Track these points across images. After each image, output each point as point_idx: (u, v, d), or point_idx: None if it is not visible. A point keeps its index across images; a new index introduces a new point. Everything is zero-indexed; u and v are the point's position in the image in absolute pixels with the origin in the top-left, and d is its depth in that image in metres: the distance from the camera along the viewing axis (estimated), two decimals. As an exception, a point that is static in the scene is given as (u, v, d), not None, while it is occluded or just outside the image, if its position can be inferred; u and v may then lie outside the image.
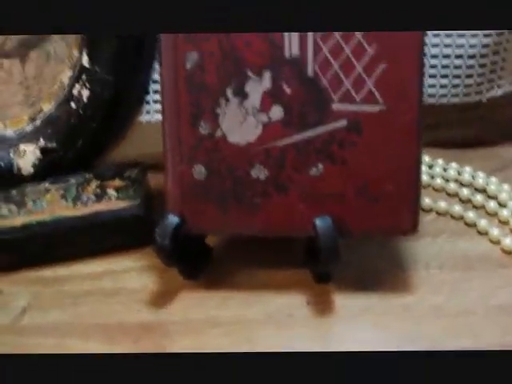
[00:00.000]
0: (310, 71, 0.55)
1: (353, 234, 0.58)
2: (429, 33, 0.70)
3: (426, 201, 0.68)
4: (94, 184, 0.68)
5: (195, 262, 0.63)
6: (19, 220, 0.65)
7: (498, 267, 0.63)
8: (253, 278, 0.63)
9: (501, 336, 0.55)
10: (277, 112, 0.56)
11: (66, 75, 0.71)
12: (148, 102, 0.76)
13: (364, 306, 0.59)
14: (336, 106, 0.56)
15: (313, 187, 0.58)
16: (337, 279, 0.62)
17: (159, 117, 0.73)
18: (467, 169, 0.73)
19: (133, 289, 0.63)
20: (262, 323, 0.59)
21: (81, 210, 0.65)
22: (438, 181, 0.72)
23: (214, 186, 0.59)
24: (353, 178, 0.57)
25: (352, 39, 0.54)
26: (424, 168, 0.73)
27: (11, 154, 0.72)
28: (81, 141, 0.72)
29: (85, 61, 0.69)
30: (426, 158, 0.73)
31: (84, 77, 0.70)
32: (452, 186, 0.72)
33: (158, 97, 0.74)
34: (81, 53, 0.70)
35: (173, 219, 0.57)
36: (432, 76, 0.73)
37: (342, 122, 0.56)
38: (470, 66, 0.73)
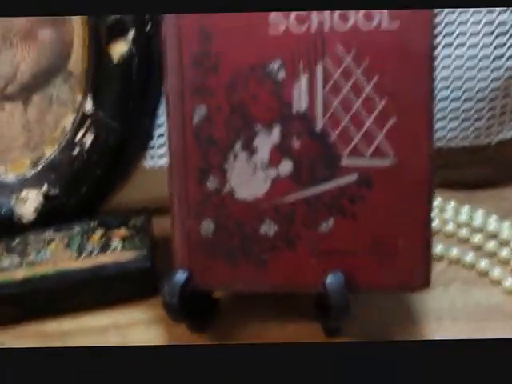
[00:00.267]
0: (319, 126, 0.54)
1: (363, 289, 0.57)
2: (438, 76, 0.67)
3: (438, 248, 0.65)
4: (98, 233, 0.67)
5: (203, 315, 0.62)
6: (21, 273, 0.64)
7: (513, 319, 0.59)
8: (261, 332, 0.61)
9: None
10: (286, 167, 0.55)
11: (69, 120, 0.71)
12: (152, 147, 0.74)
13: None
14: (346, 161, 0.55)
15: (323, 243, 0.56)
16: (345, 332, 0.60)
17: (163, 162, 0.73)
18: (479, 213, 0.71)
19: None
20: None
21: (85, 262, 0.64)
22: (450, 226, 0.70)
23: (222, 242, 0.57)
24: (364, 233, 0.56)
25: (361, 93, 0.54)
26: (435, 212, 0.71)
27: (12, 201, 0.70)
28: (84, 187, 0.71)
29: (88, 106, 0.68)
30: (436, 201, 0.70)
31: (88, 122, 0.69)
32: (464, 232, 0.69)
33: (162, 141, 0.73)
34: (84, 97, 0.69)
35: (181, 276, 0.56)
36: (441, 119, 0.71)
37: (352, 177, 0.55)
38: (480, 110, 0.71)
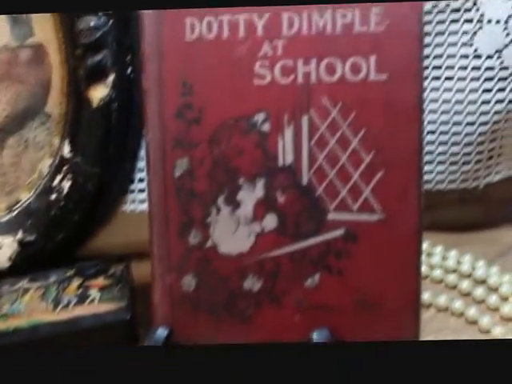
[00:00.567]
0: (304, 179, 0.53)
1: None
2: (425, 119, 0.66)
3: (426, 295, 0.64)
4: (75, 283, 0.64)
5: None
6: (-7, 326, 0.60)
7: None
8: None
9: None
10: (271, 221, 0.53)
11: (46, 164, 0.69)
12: (133, 191, 0.72)
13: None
14: (332, 216, 0.53)
15: (308, 298, 0.55)
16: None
17: (144, 207, 0.71)
18: (467, 258, 0.70)
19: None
20: None
21: (61, 315, 0.61)
22: (437, 272, 0.68)
23: (204, 298, 0.56)
24: (351, 289, 0.55)
25: (348, 146, 0.52)
26: (422, 257, 0.67)
27: (-15, 247, 0.68)
28: (62, 233, 0.69)
29: (66, 150, 0.66)
30: (423, 245, 0.69)
31: (66, 167, 0.66)
32: (452, 278, 0.68)
33: (142, 186, 0.71)
34: (62, 141, 0.67)
35: (161, 333, 0.55)
36: (428, 162, 0.70)
37: (339, 232, 0.53)
38: (467, 154, 0.70)
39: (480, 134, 0.70)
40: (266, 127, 0.52)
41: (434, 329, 0.64)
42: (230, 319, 0.56)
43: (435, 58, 0.67)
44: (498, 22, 0.64)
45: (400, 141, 0.52)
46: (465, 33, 0.66)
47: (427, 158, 0.71)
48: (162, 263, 0.55)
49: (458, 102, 0.68)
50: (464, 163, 0.72)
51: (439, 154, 0.71)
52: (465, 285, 0.68)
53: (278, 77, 0.51)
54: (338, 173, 0.53)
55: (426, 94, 0.67)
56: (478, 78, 0.67)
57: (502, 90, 0.67)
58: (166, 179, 0.53)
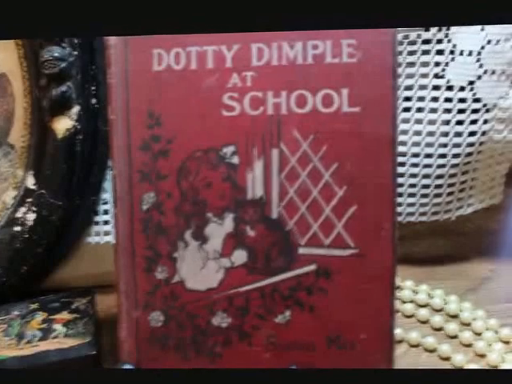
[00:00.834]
0: (274, 213, 0.51)
1: (322, 383, 0.51)
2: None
3: (397, 331, 0.62)
4: (39, 318, 0.63)
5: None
6: (-45, 364, 0.58)
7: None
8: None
9: None
10: (240, 256, 0.52)
11: (10, 196, 0.67)
12: (97, 223, 0.70)
13: None
14: (303, 250, 0.52)
15: (279, 335, 0.54)
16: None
17: (108, 238, 0.70)
18: (438, 292, 0.69)
19: None
20: None
21: (25, 350, 0.59)
22: (409, 306, 0.67)
23: (172, 334, 0.54)
24: (323, 326, 0.53)
25: (320, 180, 0.51)
26: None
27: None
28: (25, 266, 0.67)
29: (30, 182, 0.64)
30: (394, 279, 0.68)
31: (30, 199, 0.64)
32: (423, 313, 0.66)
33: (107, 217, 0.70)
34: (26, 173, 0.65)
35: (127, 370, 0.51)
36: (399, 195, 0.68)
37: (310, 267, 0.52)
38: (439, 186, 0.68)
39: (452, 167, 0.69)
40: (235, 159, 0.51)
41: (406, 365, 0.62)
42: (198, 357, 0.54)
43: (406, 89, 0.65)
44: (470, 53, 0.63)
45: (373, 174, 0.51)
46: (437, 64, 0.65)
47: (398, 190, 0.69)
48: (129, 299, 0.53)
49: (430, 133, 0.67)
50: (435, 195, 0.71)
51: (410, 186, 0.69)
52: (437, 320, 0.66)
53: (248, 108, 0.50)
54: (310, 207, 0.52)
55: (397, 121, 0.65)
56: (450, 110, 0.66)
57: (474, 122, 0.66)
58: (132, 213, 0.52)
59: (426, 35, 0.64)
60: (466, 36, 0.63)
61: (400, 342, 0.65)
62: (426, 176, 0.70)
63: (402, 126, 0.67)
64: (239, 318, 0.53)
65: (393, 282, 0.52)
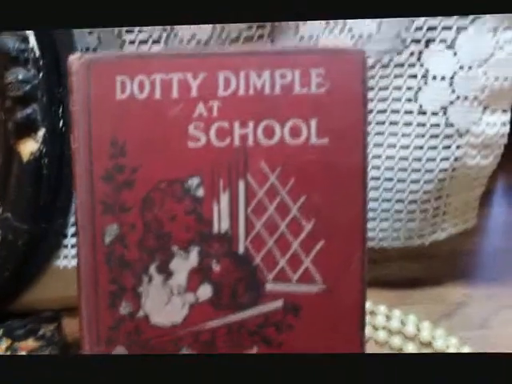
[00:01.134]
0: (241, 248, 0.50)
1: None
2: (368, 175, 0.64)
3: (368, 362, 0.61)
4: (3, 344, 0.61)
5: None
6: None
7: None
8: None
9: None
10: (205, 291, 0.50)
11: (-27, 220, 0.64)
12: (66, 246, 0.68)
13: None
14: (270, 286, 0.51)
15: (246, 372, 0.49)
16: None
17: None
18: (411, 318, 0.67)
19: None
20: None
21: (-12, 379, 0.57)
22: (381, 334, 0.65)
23: (135, 371, 0.50)
24: (291, 362, 0.49)
25: (287, 214, 0.49)
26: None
27: None
28: (-11, 291, 0.63)
29: (-6, 206, 0.62)
30: (367, 303, 0.66)
31: (-7, 223, 0.62)
32: (396, 341, 0.65)
33: (75, 241, 0.66)
34: (-11, 197, 0.62)
35: None
36: (372, 219, 0.67)
37: (278, 304, 0.50)
38: (412, 211, 0.67)
39: (425, 192, 0.68)
40: (201, 192, 0.49)
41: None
42: (163, 393, 0.50)
43: (378, 112, 0.64)
44: (443, 78, 0.62)
45: (343, 208, 0.50)
46: (409, 88, 0.63)
47: (370, 214, 0.68)
48: (91, 334, 0.52)
49: (403, 158, 0.65)
50: (408, 220, 0.70)
51: (383, 210, 0.68)
52: (410, 348, 0.65)
53: (214, 139, 0.49)
54: (277, 241, 0.51)
55: (368, 150, 0.65)
56: (422, 135, 0.65)
57: (447, 147, 0.65)
58: (95, 245, 0.50)
59: (398, 59, 0.62)
60: (438, 61, 0.62)
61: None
62: (399, 201, 0.67)
63: (375, 151, 0.65)
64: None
65: (363, 317, 0.51)
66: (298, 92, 0.49)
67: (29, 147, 0.62)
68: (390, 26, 0.63)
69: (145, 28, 0.64)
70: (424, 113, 0.67)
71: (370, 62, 0.64)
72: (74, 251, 0.69)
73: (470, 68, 0.64)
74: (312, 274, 0.50)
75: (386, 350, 0.68)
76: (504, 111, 0.66)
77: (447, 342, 0.67)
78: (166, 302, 0.51)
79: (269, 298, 0.51)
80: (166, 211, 0.50)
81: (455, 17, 0.63)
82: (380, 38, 0.63)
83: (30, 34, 0.59)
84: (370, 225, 0.70)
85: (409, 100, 0.66)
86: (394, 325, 0.69)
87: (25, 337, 0.63)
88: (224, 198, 0.50)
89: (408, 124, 0.67)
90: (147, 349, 0.51)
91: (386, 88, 0.65)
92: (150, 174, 0.50)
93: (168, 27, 0.63)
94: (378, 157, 0.68)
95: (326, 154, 0.49)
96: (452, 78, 0.64)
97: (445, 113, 0.66)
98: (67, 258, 0.70)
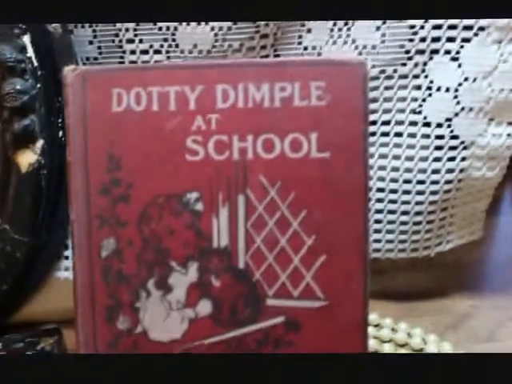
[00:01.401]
0: (241, 263, 0.49)
1: None
2: (373, 186, 0.63)
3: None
4: (1, 359, 0.59)
5: None
6: None
7: None
8: None
9: None
10: (204, 307, 0.50)
11: (-28, 231, 0.63)
12: (67, 258, 0.68)
13: None
14: (271, 302, 0.50)
15: (246, 389, 0.48)
16: None
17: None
18: (417, 331, 0.66)
19: None
20: None
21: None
22: (387, 347, 0.64)
23: (133, 387, 0.49)
24: (291, 379, 0.48)
25: (288, 229, 0.48)
26: (371, 329, 0.68)
27: None
28: (-11, 304, 0.63)
29: (-7, 219, 0.61)
30: (373, 315, 0.66)
31: (-7, 235, 0.61)
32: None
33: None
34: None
35: None
36: (377, 231, 0.66)
37: (278, 320, 0.50)
38: (417, 223, 0.66)
39: (430, 203, 0.67)
40: (199, 206, 0.48)
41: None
42: (162, 410, 0.49)
43: (383, 123, 0.63)
44: (447, 89, 0.61)
45: (344, 222, 0.49)
46: (413, 99, 0.62)
47: (376, 226, 0.67)
48: (88, 350, 0.51)
49: (408, 170, 0.64)
50: (414, 232, 0.69)
51: (388, 222, 0.67)
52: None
53: (212, 153, 0.48)
54: (277, 256, 0.50)
55: (373, 161, 0.64)
56: (427, 147, 0.64)
57: (452, 159, 0.64)
58: (92, 260, 0.49)
59: (402, 70, 0.61)
60: (443, 72, 0.61)
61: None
62: (405, 213, 0.67)
63: (380, 162, 0.64)
64: (204, 370, 0.49)
65: (365, 333, 0.50)
66: (298, 105, 0.48)
67: (27, 158, 0.61)
68: (394, 37, 0.62)
69: (145, 38, 0.63)
70: (428, 124, 0.65)
71: (373, 72, 0.63)
72: (74, 263, 0.66)
73: (474, 80, 0.63)
74: (313, 290, 0.50)
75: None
76: (509, 123, 0.65)
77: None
78: (165, 317, 0.50)
79: (269, 313, 0.51)
80: (165, 226, 0.49)
81: (459, 28, 0.61)
82: (384, 48, 0.62)
83: (28, 44, 0.58)
84: (375, 236, 0.69)
85: (413, 111, 0.64)
86: (400, 337, 0.68)
87: (24, 351, 0.62)
88: (223, 213, 0.49)
89: (412, 135, 0.66)
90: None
91: (390, 99, 0.64)
92: (148, 188, 0.49)
93: (169, 37, 0.62)
94: (383, 168, 0.66)
95: (327, 168, 0.48)
96: (456, 89, 0.63)
97: (449, 124, 0.65)
98: (68, 270, 0.69)
